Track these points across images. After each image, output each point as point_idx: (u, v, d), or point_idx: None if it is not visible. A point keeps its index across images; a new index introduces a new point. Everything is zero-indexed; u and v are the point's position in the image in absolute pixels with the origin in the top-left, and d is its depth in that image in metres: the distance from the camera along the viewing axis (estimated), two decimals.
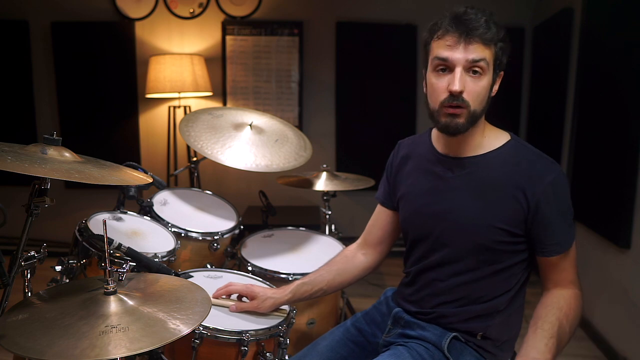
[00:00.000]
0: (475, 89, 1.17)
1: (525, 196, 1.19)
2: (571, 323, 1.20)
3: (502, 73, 1.24)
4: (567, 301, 1.22)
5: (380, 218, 1.52)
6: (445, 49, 1.17)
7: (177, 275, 1.42)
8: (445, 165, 1.30)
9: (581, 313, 1.24)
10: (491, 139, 1.27)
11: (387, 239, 1.52)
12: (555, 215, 1.20)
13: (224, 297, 1.44)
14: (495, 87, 1.24)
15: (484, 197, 1.23)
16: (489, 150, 1.26)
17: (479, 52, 1.15)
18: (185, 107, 3.85)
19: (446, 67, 1.18)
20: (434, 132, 1.37)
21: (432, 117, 1.23)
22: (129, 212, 1.81)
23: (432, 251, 1.32)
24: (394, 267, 3.80)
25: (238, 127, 2.04)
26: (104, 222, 1.10)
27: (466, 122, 1.19)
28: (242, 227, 2.04)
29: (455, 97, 1.16)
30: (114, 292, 1.02)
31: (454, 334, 1.29)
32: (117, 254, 1.38)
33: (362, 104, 4.00)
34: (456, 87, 1.15)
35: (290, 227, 2.17)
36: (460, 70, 1.15)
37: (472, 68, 1.16)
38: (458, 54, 1.15)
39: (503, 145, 1.26)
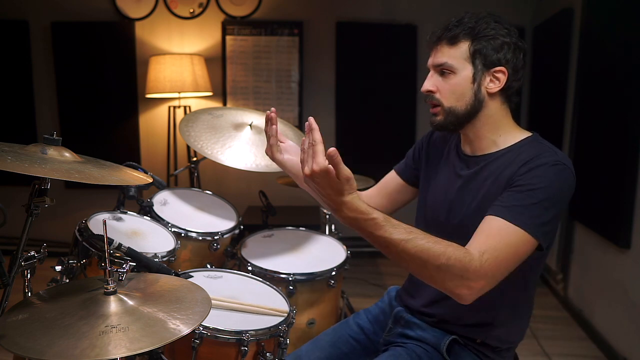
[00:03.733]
0: (444, 87, 1.24)
1: (512, 177, 1.15)
2: (424, 245, 1.02)
3: (502, 69, 1.21)
4: (446, 241, 1.04)
5: (389, 185, 1.52)
6: (429, 57, 1.29)
7: (177, 275, 1.42)
8: (463, 162, 1.32)
9: (449, 259, 1.01)
10: (507, 138, 1.25)
11: (388, 206, 1.52)
12: (520, 186, 1.12)
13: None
14: (492, 85, 1.21)
15: (486, 194, 1.22)
16: (503, 147, 1.25)
17: (442, 54, 1.23)
18: (185, 107, 3.85)
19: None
20: None
21: None
22: (129, 212, 1.81)
23: None
24: (394, 267, 3.81)
25: (238, 127, 2.04)
26: (104, 222, 1.10)
27: (445, 119, 1.25)
28: (242, 227, 2.04)
29: (427, 96, 1.27)
30: (114, 292, 1.02)
31: (453, 336, 1.29)
32: (117, 254, 1.37)
33: (362, 104, 4.00)
34: (423, 86, 1.27)
35: (290, 227, 2.16)
36: (431, 73, 1.27)
37: (441, 70, 1.24)
38: (430, 60, 1.27)
39: (517, 142, 1.24)
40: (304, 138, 1.04)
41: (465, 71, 1.21)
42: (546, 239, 1.11)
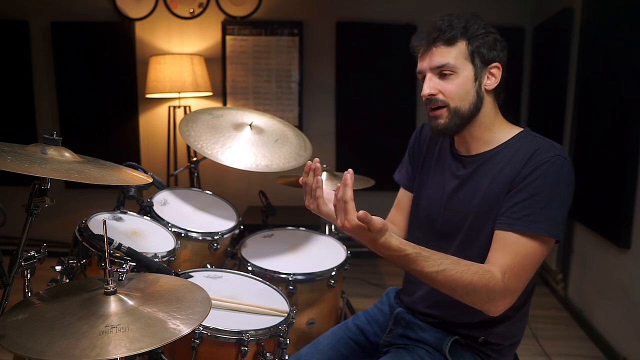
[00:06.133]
0: (448, 88, 1.21)
1: (514, 179, 1.16)
2: (453, 275, 1.08)
3: (497, 64, 1.23)
4: (473, 265, 1.10)
5: (404, 202, 1.49)
6: (419, 61, 1.26)
7: (177, 275, 1.42)
8: (459, 162, 1.31)
9: (476, 287, 1.08)
10: (501, 135, 1.26)
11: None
12: (526, 191, 1.13)
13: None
14: (489, 82, 1.23)
15: (486, 193, 1.22)
16: (497, 144, 1.25)
17: (442, 55, 1.21)
18: (185, 107, 3.85)
19: (424, 77, 1.26)
20: None
21: None
22: (129, 212, 1.81)
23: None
24: (393, 267, 3.80)
25: (238, 127, 2.04)
26: (104, 222, 1.10)
27: (449, 121, 1.23)
28: (242, 227, 2.04)
29: (430, 100, 1.24)
30: (114, 292, 1.02)
31: (455, 337, 1.29)
32: (117, 254, 1.37)
33: (362, 104, 4.00)
34: (424, 91, 1.23)
35: (290, 227, 2.17)
36: (429, 76, 1.23)
37: (440, 72, 1.22)
38: (425, 64, 1.24)
39: (511, 138, 1.25)
40: (339, 185, 1.07)
41: (467, 70, 1.21)
42: (562, 233, 1.15)
